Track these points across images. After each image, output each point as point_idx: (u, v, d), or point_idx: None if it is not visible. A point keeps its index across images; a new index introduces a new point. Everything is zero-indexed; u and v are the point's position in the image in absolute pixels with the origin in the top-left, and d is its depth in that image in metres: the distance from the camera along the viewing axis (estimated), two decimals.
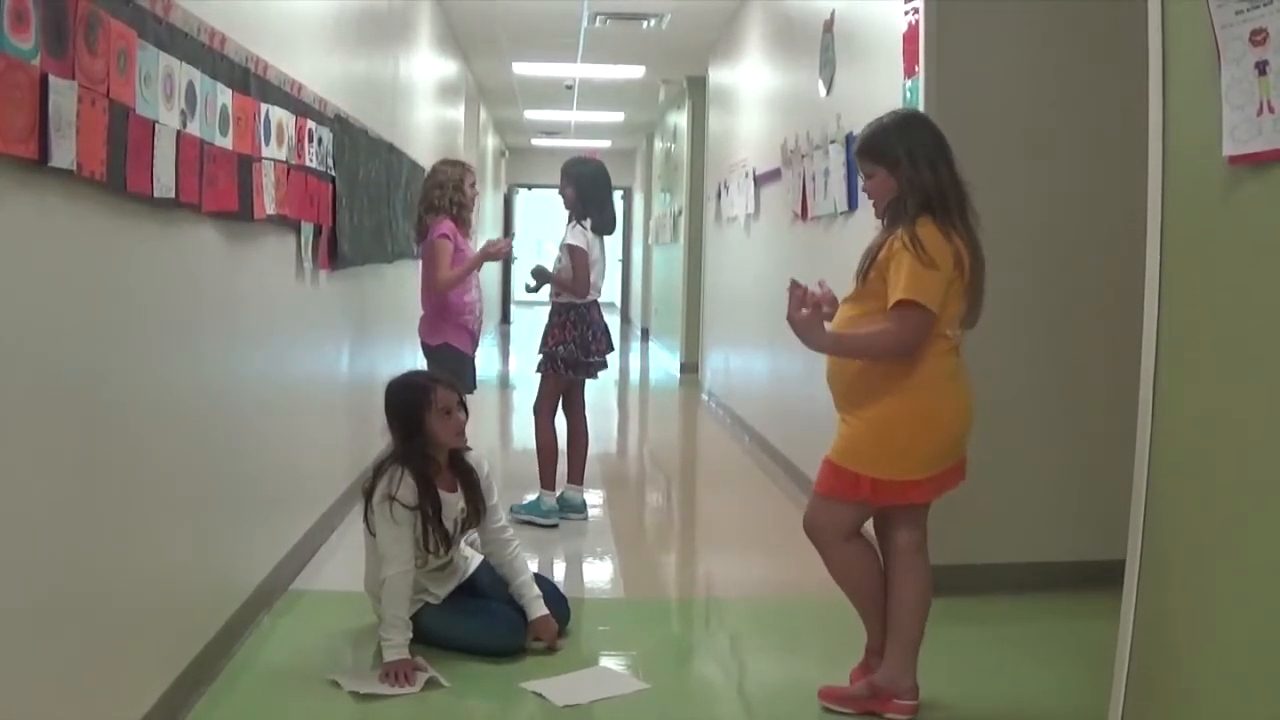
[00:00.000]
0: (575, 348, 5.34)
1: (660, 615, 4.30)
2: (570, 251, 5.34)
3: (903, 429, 2.98)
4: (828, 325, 3.07)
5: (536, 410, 5.48)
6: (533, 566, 4.01)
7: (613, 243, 6.01)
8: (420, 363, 5.54)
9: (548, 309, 5.57)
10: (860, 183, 3.16)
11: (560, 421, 5.51)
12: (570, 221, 5.41)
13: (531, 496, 5.47)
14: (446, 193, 5.23)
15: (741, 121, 8.72)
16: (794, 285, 2.98)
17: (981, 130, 4.04)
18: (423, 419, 3.52)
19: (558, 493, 5.47)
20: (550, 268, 5.47)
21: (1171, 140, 2.53)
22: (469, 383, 5.26)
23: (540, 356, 5.44)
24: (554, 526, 5.33)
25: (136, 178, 2.59)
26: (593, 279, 5.35)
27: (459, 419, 3.59)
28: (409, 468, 3.48)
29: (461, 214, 5.26)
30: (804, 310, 2.94)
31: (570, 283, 5.33)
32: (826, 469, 3.08)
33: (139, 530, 2.76)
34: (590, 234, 5.37)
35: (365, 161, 5.34)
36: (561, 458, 5.51)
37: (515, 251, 11.55)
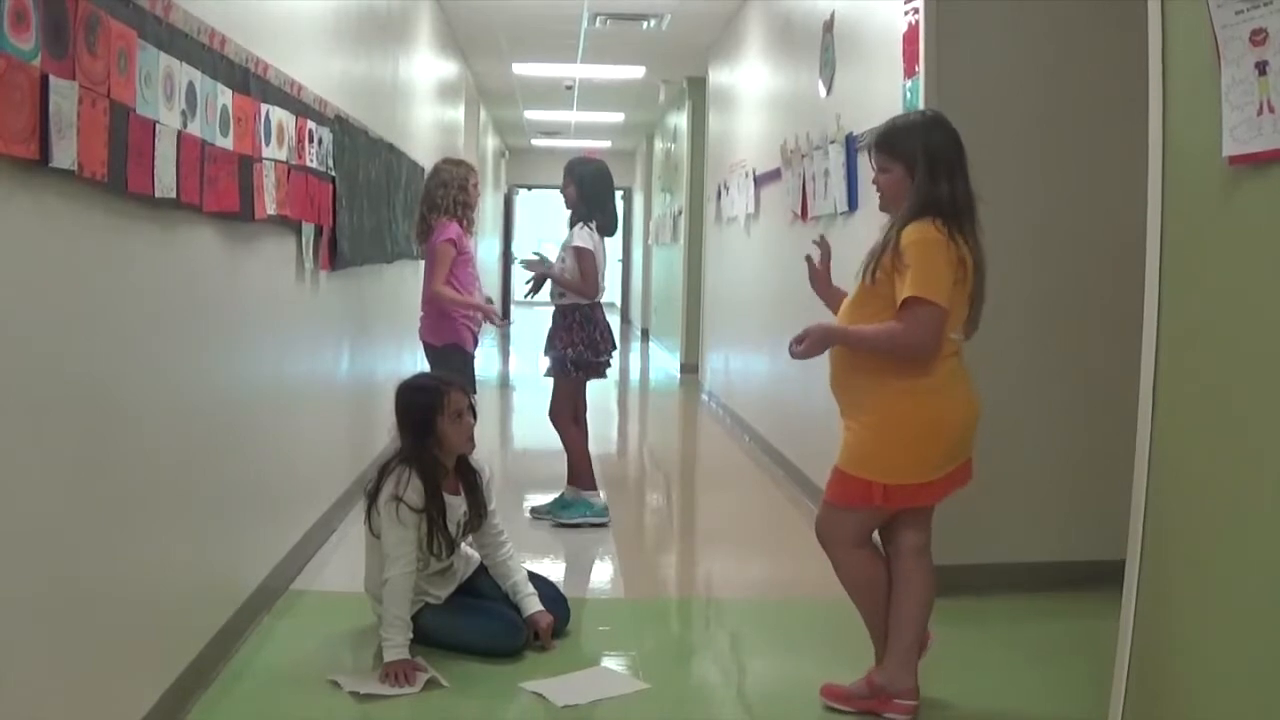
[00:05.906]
0: (585, 349, 5.31)
1: (660, 615, 4.30)
2: (578, 254, 5.29)
3: (910, 432, 2.97)
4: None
5: (554, 415, 5.43)
6: (539, 569, 4.01)
7: (613, 243, 5.98)
8: (420, 363, 5.54)
9: (550, 310, 5.55)
10: (875, 177, 3.13)
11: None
12: (576, 224, 5.39)
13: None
14: (450, 192, 5.22)
15: (741, 122, 8.72)
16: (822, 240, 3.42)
17: (981, 131, 4.00)
18: (434, 422, 3.51)
19: (558, 494, 5.48)
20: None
21: (1171, 140, 2.54)
22: (470, 383, 5.26)
23: (550, 361, 5.40)
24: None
25: (137, 178, 2.59)
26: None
27: (469, 422, 3.59)
28: (417, 470, 3.48)
29: (465, 214, 5.26)
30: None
31: (579, 285, 5.28)
32: (837, 477, 3.07)
33: (138, 530, 2.76)
34: (596, 235, 5.36)
35: (365, 162, 5.34)
36: (560, 459, 5.50)
37: (515, 253, 11.62)
